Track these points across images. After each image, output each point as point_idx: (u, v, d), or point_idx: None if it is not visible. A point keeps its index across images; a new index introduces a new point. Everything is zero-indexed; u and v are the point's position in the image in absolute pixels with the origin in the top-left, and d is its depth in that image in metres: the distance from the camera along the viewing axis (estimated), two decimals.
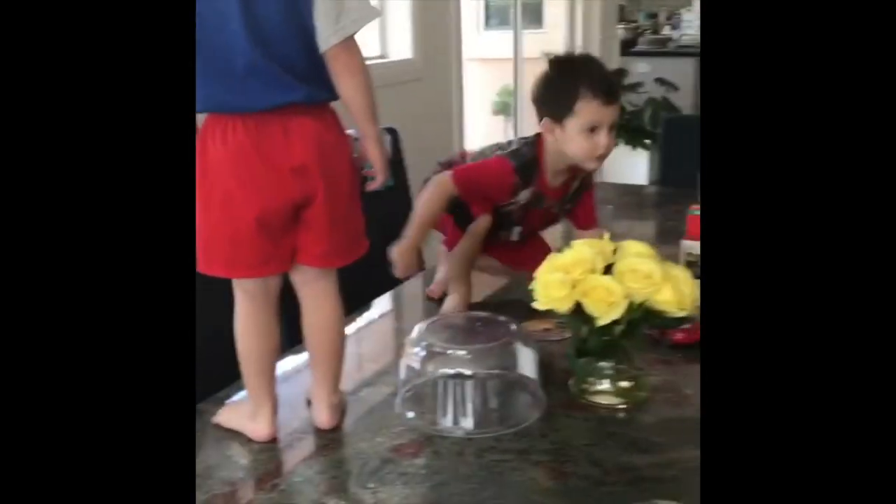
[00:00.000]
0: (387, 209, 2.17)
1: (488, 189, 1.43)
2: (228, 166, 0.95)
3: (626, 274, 1.04)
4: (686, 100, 5.49)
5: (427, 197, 1.41)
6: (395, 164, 2.36)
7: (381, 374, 1.26)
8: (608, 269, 1.07)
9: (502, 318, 1.15)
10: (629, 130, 5.06)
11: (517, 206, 1.44)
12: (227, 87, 0.94)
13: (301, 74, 0.94)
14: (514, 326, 1.12)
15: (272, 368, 1.06)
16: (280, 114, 0.94)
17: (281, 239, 0.99)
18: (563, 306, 1.05)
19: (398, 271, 1.39)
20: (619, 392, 1.11)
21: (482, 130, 5.04)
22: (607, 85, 1.34)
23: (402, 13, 3.23)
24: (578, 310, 1.06)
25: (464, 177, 1.40)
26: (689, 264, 1.41)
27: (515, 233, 1.52)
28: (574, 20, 5.15)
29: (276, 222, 0.97)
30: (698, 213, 1.44)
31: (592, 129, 1.33)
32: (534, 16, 5.70)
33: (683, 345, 1.25)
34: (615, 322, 1.03)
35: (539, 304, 1.08)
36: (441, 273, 1.58)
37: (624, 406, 1.10)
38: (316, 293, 1.04)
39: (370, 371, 1.28)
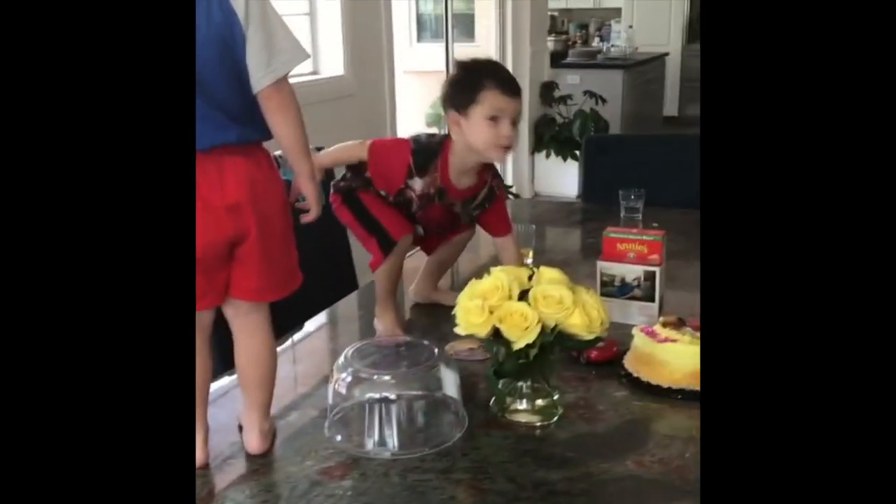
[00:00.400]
0: (320, 225, 2.23)
1: (387, 165, 1.48)
2: None
3: (540, 300, 1.11)
4: (614, 111, 5.66)
5: (344, 145, 1.51)
6: (326, 181, 2.40)
7: (310, 396, 1.30)
8: (524, 295, 1.14)
9: (426, 341, 1.20)
10: (559, 142, 5.19)
11: (414, 194, 1.48)
12: None
13: (234, 115, 0.99)
14: (436, 350, 1.18)
15: (204, 397, 1.09)
16: (215, 154, 0.98)
17: (216, 274, 1.03)
18: (482, 331, 1.12)
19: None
20: (536, 410, 1.18)
21: None
22: (510, 80, 1.44)
23: (332, 29, 3.27)
24: (497, 334, 1.12)
25: (375, 146, 1.48)
26: (604, 284, 1.50)
27: (418, 231, 1.56)
28: (504, 32, 5.26)
29: (211, 259, 1.01)
30: (613, 235, 1.52)
31: (495, 119, 1.41)
32: (465, 28, 5.80)
33: (598, 362, 1.33)
34: (530, 345, 1.10)
35: (460, 329, 1.14)
36: (423, 280, 1.68)
37: (540, 424, 1.17)
38: (248, 325, 1.08)
39: (299, 394, 1.33)
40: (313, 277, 1.74)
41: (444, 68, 4.85)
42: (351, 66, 3.29)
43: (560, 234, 2.25)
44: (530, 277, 1.17)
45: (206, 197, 0.98)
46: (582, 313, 1.11)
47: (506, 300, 1.12)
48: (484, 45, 5.48)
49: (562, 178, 5.24)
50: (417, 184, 1.47)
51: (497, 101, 1.40)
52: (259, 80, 0.98)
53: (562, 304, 1.11)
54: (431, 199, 1.49)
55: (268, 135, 1.04)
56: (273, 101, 1.00)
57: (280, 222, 1.06)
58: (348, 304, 1.76)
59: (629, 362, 1.30)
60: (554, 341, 1.12)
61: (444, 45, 4.91)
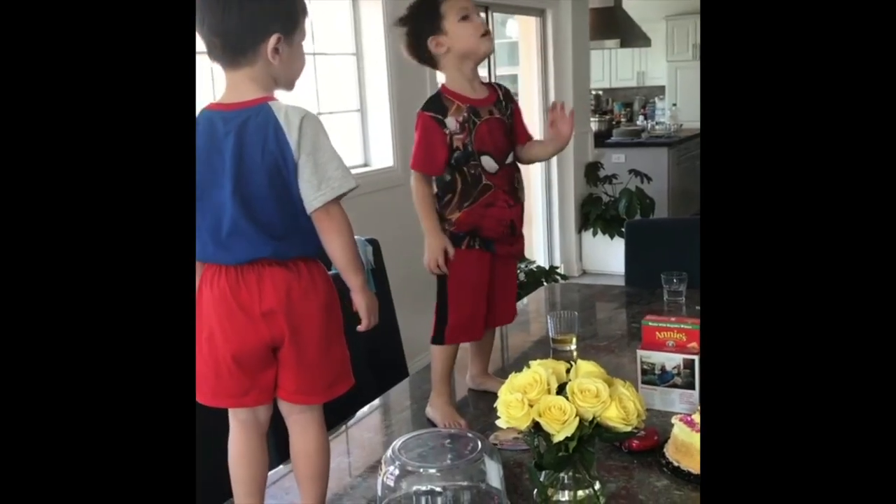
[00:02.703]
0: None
1: (427, 143, 1.53)
2: (212, 309, 1.08)
3: (577, 394, 1.16)
4: (660, 188, 5.71)
5: (414, 195, 1.56)
6: (377, 272, 2.49)
7: (359, 487, 1.36)
8: (563, 388, 1.19)
9: (470, 433, 1.26)
10: (605, 220, 5.25)
11: (459, 132, 1.51)
12: (216, 242, 1.08)
13: (275, 234, 1.09)
14: (480, 442, 1.23)
15: (261, 491, 1.16)
16: (257, 265, 1.08)
17: (259, 374, 1.11)
18: (522, 424, 1.17)
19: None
20: (578, 501, 1.22)
21: None
22: None
23: (382, 123, 3.43)
24: (537, 426, 1.17)
25: (414, 158, 1.55)
26: (644, 372, 1.54)
27: (489, 165, 1.54)
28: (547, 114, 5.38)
29: (251, 360, 1.10)
30: (652, 324, 1.57)
31: (466, 17, 1.52)
32: None
33: (639, 451, 1.36)
34: (569, 438, 1.15)
35: (501, 423, 1.19)
36: (473, 366, 1.73)
37: None
38: (300, 423, 1.16)
39: (350, 485, 1.38)
40: (364, 362, 1.82)
41: None
42: (400, 157, 3.43)
43: (604, 319, 2.29)
44: (568, 370, 1.22)
45: (246, 303, 1.07)
46: (618, 406, 1.15)
47: (544, 394, 1.17)
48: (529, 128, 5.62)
49: (609, 255, 5.27)
50: (450, 122, 1.52)
51: (461, 3, 1.52)
52: (310, 203, 1.08)
53: (598, 397, 1.15)
54: (472, 122, 1.52)
55: (308, 252, 1.13)
56: (323, 222, 1.10)
57: (317, 330, 1.13)
58: (400, 392, 1.82)
59: (670, 451, 1.33)
60: (592, 434, 1.16)
61: None
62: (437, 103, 1.55)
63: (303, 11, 1.15)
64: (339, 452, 1.53)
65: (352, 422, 1.66)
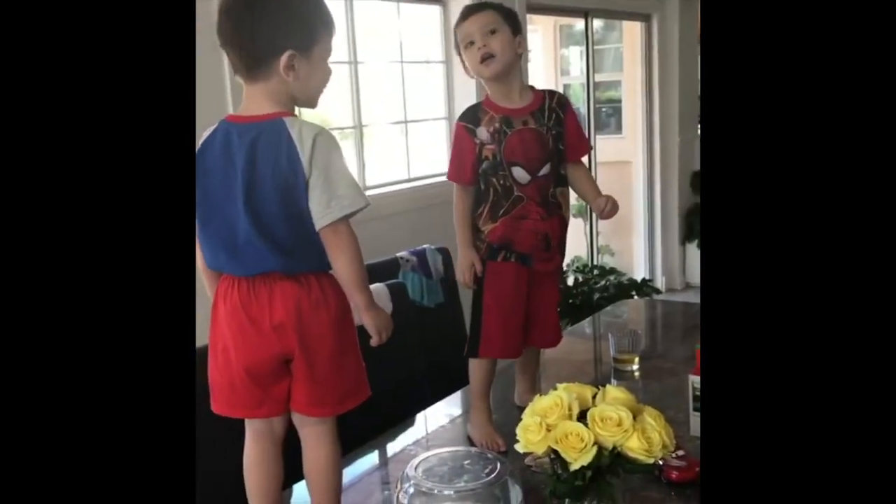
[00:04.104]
0: (435, 323, 2.29)
1: (458, 153, 1.52)
2: (226, 321, 1.09)
3: (598, 421, 1.10)
4: None
5: (453, 207, 1.55)
6: (446, 281, 2.48)
7: (389, 500, 1.34)
8: (586, 414, 1.13)
9: (490, 454, 1.22)
10: None
11: (490, 143, 1.49)
12: (229, 254, 1.09)
13: (285, 248, 1.08)
14: (499, 464, 1.19)
15: (276, 501, 1.16)
16: (269, 279, 1.08)
17: (271, 386, 1.11)
18: (539, 449, 1.12)
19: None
20: None
21: None
22: (464, 9, 1.53)
23: None
24: (555, 452, 1.12)
25: (449, 167, 1.54)
26: (696, 399, 1.45)
27: (520, 175, 1.49)
28: (652, 122, 5.24)
29: (262, 373, 1.10)
30: None
31: (472, 43, 1.50)
32: (612, 120, 5.84)
33: (679, 483, 1.28)
34: (586, 466, 1.09)
35: (520, 447, 1.15)
36: (519, 384, 1.69)
37: None
38: (312, 435, 1.15)
39: (378, 499, 1.37)
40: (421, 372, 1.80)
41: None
42: None
43: (675, 340, 2.18)
44: (594, 396, 1.16)
45: (256, 317, 1.08)
46: (641, 436, 1.08)
47: (564, 419, 1.12)
48: (631, 136, 5.49)
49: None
50: (481, 132, 1.50)
51: (460, 31, 1.52)
52: (318, 220, 1.08)
53: (621, 425, 1.09)
54: (503, 132, 1.49)
55: (319, 267, 1.12)
56: (330, 240, 1.09)
57: (328, 343, 1.12)
58: (446, 406, 1.79)
59: None
60: (612, 464, 1.10)
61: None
62: (472, 114, 1.53)
63: (324, 27, 1.13)
64: (372, 463, 1.53)
65: (393, 437, 1.64)
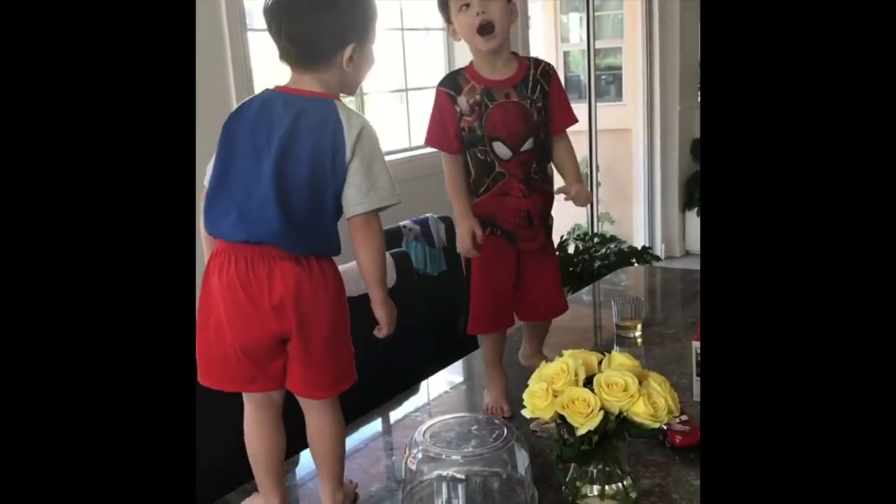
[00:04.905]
0: (437, 292, 2.31)
1: (440, 118, 1.46)
2: (220, 298, 1.09)
3: (604, 387, 1.11)
4: None
5: (447, 177, 1.48)
6: (448, 250, 2.49)
7: (393, 468, 1.36)
8: (592, 379, 1.14)
9: (497, 420, 1.23)
10: None
11: (469, 114, 1.43)
12: (238, 216, 1.08)
13: (297, 222, 1.08)
14: (506, 429, 1.20)
15: (279, 467, 1.18)
16: (269, 258, 1.08)
17: (267, 364, 1.12)
18: (546, 415, 1.13)
19: None
20: (608, 496, 1.17)
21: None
22: None
23: None
24: (562, 417, 1.13)
25: (427, 133, 1.48)
26: (699, 364, 1.47)
27: (502, 151, 1.45)
28: (653, 90, 5.21)
29: (259, 351, 1.10)
30: None
31: (467, 6, 1.41)
32: (612, 88, 5.80)
33: (682, 447, 1.30)
34: (593, 431, 1.10)
35: (526, 412, 1.16)
36: (525, 347, 1.68)
37: None
38: (313, 405, 1.16)
39: (385, 465, 1.39)
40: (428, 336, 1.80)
41: (586, 128, 4.87)
42: None
43: (675, 307, 2.19)
44: (600, 362, 1.18)
45: (256, 296, 1.07)
46: (646, 402, 1.10)
47: (570, 385, 1.13)
48: (631, 103, 5.46)
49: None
50: (461, 101, 1.44)
51: None
52: (353, 207, 1.09)
53: (626, 391, 1.10)
54: (484, 105, 1.43)
55: (322, 253, 1.12)
56: (359, 230, 1.10)
57: (325, 326, 1.12)
58: (448, 374, 1.81)
59: None
60: (618, 428, 1.11)
61: (586, 104, 4.95)
62: (453, 80, 1.46)
63: (376, 16, 1.15)
64: (377, 430, 1.55)
65: (398, 403, 1.66)
